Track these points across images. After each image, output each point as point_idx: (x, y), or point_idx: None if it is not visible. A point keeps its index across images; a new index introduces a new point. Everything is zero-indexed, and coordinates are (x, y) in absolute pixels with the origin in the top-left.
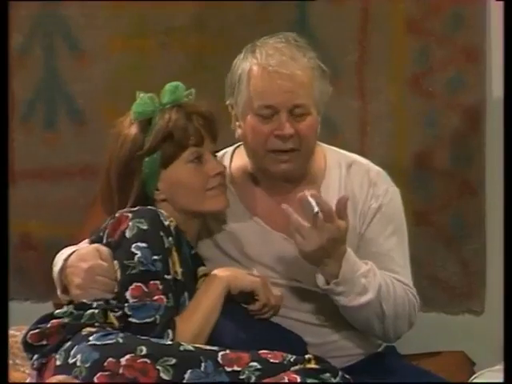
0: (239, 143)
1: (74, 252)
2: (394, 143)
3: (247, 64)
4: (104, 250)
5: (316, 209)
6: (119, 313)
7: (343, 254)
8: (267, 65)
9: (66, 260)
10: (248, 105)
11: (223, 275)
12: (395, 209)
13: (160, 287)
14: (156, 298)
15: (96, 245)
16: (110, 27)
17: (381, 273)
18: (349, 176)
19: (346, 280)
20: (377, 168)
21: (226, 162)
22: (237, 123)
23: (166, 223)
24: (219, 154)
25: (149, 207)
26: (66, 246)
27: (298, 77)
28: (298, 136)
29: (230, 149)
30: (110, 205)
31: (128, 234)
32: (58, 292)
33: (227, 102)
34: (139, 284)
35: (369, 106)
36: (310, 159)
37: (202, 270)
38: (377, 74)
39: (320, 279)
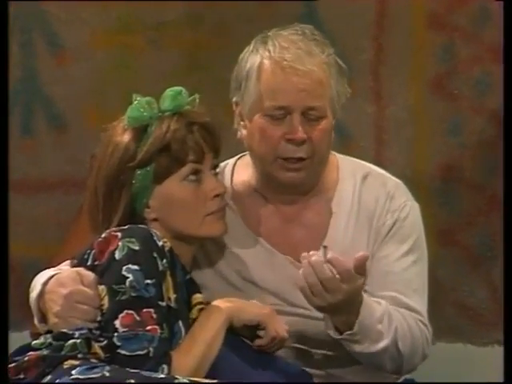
0: (241, 154)
1: (53, 276)
2: (415, 153)
3: (257, 57)
4: (87, 274)
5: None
6: (105, 342)
7: (359, 305)
8: (281, 59)
9: (44, 284)
10: (257, 104)
11: (225, 306)
12: (412, 226)
13: (154, 316)
14: (149, 328)
15: (78, 268)
16: (93, 22)
17: (393, 310)
18: (364, 188)
19: (361, 330)
20: (395, 180)
21: (227, 176)
22: (241, 122)
23: (160, 244)
24: (219, 166)
25: (140, 226)
26: (45, 268)
27: (316, 74)
28: (311, 142)
29: (232, 161)
30: (98, 221)
31: (118, 256)
32: (36, 320)
33: (233, 100)
34: (131, 312)
35: (386, 110)
36: (322, 168)
37: (196, 297)
38: (394, 75)
39: (329, 326)
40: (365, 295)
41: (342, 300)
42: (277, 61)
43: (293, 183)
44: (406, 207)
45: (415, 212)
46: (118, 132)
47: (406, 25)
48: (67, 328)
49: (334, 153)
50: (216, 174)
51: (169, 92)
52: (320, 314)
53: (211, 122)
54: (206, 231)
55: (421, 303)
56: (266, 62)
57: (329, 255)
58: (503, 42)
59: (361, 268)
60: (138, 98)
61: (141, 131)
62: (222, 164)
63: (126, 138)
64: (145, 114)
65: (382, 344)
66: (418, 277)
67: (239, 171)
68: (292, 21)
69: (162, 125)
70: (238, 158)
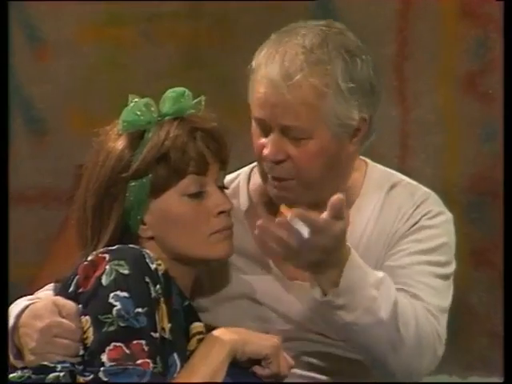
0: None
1: (28, 306)
2: (444, 161)
3: (256, 61)
4: (65, 303)
5: (306, 234)
6: (91, 377)
7: (346, 259)
8: (264, 72)
9: (18, 317)
10: (250, 109)
11: (229, 338)
12: (437, 230)
13: (145, 348)
14: (140, 361)
15: (55, 297)
16: (79, 13)
17: (396, 291)
18: (389, 199)
19: (349, 289)
20: (426, 190)
21: (244, 185)
22: None
23: (153, 267)
24: (231, 176)
25: (131, 246)
26: (23, 295)
27: (294, 95)
28: (293, 163)
29: (246, 169)
30: (87, 239)
31: (105, 281)
32: (11, 357)
33: None
34: (119, 344)
35: (411, 113)
36: (319, 190)
37: (196, 326)
38: (421, 73)
39: (316, 290)
40: (358, 257)
41: (322, 253)
42: (262, 73)
43: (282, 202)
44: (433, 211)
45: (444, 218)
46: (111, 138)
47: (434, 15)
48: (48, 361)
49: (364, 159)
50: (222, 188)
51: (170, 93)
52: (332, 341)
53: (217, 129)
54: (210, 253)
55: (435, 298)
56: (258, 70)
57: (295, 212)
58: (503, 41)
59: (337, 211)
60: (135, 100)
61: (137, 137)
62: (234, 174)
63: (120, 144)
64: (142, 117)
65: (377, 316)
66: (435, 278)
67: (256, 179)
68: (302, 12)
69: (160, 131)
70: (254, 166)
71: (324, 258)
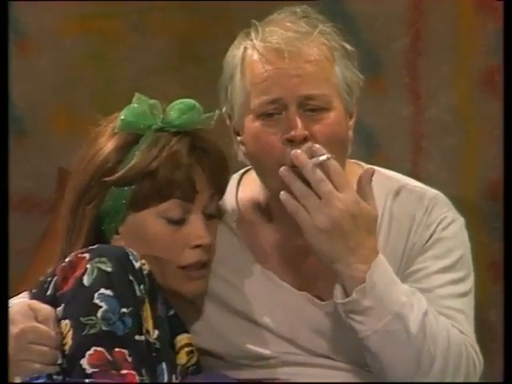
0: (248, 167)
1: None
2: (461, 165)
3: (240, 50)
4: (41, 307)
5: (324, 156)
6: None
7: (374, 255)
8: (266, 43)
9: None
10: (246, 105)
11: None
12: (453, 240)
13: (128, 359)
14: (125, 372)
15: (31, 301)
16: (63, 4)
17: (429, 306)
18: (395, 206)
19: (375, 290)
20: (434, 192)
21: (231, 194)
22: (238, 138)
23: (137, 265)
24: None
25: (112, 245)
26: None
27: (311, 56)
28: (316, 141)
29: (236, 175)
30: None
31: (87, 281)
32: None
33: (223, 111)
34: (100, 349)
35: (425, 112)
36: None
37: (182, 338)
38: (435, 69)
39: (338, 291)
40: (386, 262)
41: (341, 213)
42: (261, 47)
43: None
44: (447, 219)
45: (458, 225)
46: (105, 135)
47: (449, 7)
48: (22, 376)
49: (360, 163)
50: (212, 217)
51: (178, 104)
52: (343, 365)
53: (220, 152)
54: (175, 285)
55: (466, 325)
56: (250, 51)
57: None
58: (503, 42)
59: (366, 189)
60: (142, 98)
61: (131, 141)
62: None
63: (111, 145)
64: (144, 120)
65: (407, 324)
66: (461, 298)
67: (245, 188)
68: (309, 3)
69: (158, 141)
70: (245, 172)
71: (346, 233)
